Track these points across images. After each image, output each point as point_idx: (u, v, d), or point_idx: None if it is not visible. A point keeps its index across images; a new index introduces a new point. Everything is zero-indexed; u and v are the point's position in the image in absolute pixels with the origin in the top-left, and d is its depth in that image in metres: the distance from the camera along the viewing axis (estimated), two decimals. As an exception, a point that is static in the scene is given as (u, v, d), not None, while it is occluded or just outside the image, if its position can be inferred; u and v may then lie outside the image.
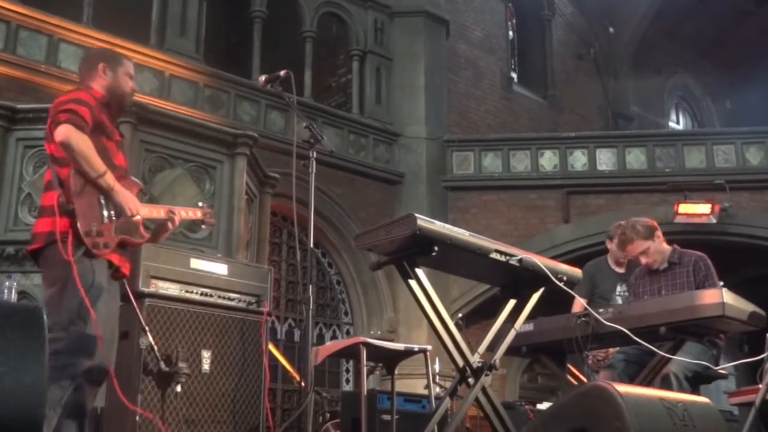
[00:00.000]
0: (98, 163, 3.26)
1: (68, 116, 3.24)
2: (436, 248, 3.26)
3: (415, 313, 9.94)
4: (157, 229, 3.68)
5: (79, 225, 3.19)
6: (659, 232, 5.07)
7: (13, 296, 4.95)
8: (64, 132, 3.20)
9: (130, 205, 3.37)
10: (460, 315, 9.36)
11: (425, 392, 5.85)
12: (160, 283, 4.23)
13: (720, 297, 3.81)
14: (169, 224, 3.63)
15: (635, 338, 3.86)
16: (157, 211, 3.63)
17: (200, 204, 3.98)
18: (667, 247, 5.06)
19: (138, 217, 3.42)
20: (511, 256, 3.52)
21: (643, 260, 5.06)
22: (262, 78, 4.31)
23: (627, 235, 5.11)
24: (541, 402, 8.36)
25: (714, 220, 10.95)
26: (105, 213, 3.32)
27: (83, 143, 3.22)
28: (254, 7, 11.33)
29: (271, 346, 6.43)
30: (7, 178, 5.67)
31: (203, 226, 4.09)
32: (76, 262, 3.17)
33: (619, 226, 5.76)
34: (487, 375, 3.51)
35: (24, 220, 5.58)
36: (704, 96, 19.28)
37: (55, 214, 3.24)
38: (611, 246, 5.91)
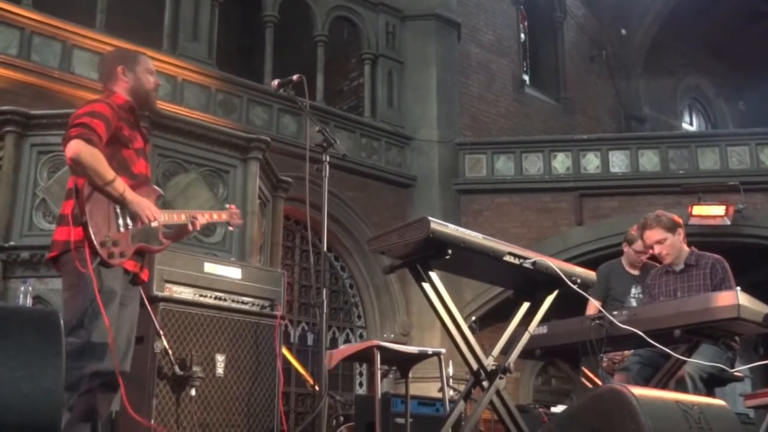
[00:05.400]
0: (108, 174, 3.25)
1: (78, 131, 3.24)
2: (449, 251, 3.25)
3: (428, 316, 9.95)
4: (177, 231, 3.68)
5: (93, 236, 3.20)
6: (682, 230, 4.96)
7: (29, 301, 4.96)
8: (74, 148, 3.21)
9: (147, 212, 3.36)
10: (473, 318, 9.37)
11: (439, 395, 5.85)
12: (175, 287, 4.24)
13: (735, 299, 3.77)
14: (190, 227, 3.63)
15: (650, 341, 3.84)
16: (178, 216, 3.63)
17: (227, 206, 3.98)
18: (685, 248, 4.98)
19: (156, 223, 3.43)
20: (525, 258, 3.51)
21: (657, 250, 4.92)
22: (275, 82, 4.28)
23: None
24: (555, 405, 8.32)
25: (728, 222, 10.90)
26: (120, 222, 3.33)
27: (92, 157, 3.21)
28: (266, 12, 11.35)
29: (284, 350, 6.44)
30: (22, 184, 5.70)
31: (230, 227, 4.09)
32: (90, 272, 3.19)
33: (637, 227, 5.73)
34: (501, 378, 3.50)
35: (39, 226, 5.60)
36: (717, 97, 19.18)
37: (70, 223, 3.26)
38: (627, 249, 5.91)
